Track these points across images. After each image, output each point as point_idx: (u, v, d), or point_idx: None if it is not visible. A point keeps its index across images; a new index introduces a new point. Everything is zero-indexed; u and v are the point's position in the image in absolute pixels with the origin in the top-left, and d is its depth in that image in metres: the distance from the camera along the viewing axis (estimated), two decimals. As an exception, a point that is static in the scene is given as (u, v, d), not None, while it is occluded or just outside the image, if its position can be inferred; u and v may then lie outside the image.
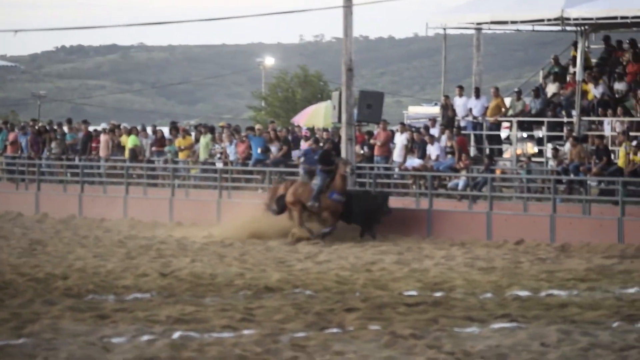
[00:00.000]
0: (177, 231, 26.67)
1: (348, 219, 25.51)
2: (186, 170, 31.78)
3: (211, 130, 33.00)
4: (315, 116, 39.19)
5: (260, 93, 62.25)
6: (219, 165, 31.20)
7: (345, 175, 25.39)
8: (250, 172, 30.88)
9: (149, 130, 34.81)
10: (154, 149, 33.57)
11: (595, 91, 28.91)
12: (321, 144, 27.73)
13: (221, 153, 32.29)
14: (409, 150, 29.32)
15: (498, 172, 27.74)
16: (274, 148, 31.15)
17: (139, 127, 34.22)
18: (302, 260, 21.40)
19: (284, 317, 14.56)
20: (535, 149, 29.11)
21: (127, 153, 33.01)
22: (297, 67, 60.70)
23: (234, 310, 15.06)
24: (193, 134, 33.07)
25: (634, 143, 26.00)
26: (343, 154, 27.53)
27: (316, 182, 25.38)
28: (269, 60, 70.93)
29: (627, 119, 27.52)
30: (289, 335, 13.32)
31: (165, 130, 34.83)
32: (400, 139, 29.35)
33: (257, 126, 33.96)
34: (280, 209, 25.56)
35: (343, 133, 27.56)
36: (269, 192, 26.67)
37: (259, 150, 31.01)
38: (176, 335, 13.20)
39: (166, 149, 33.25)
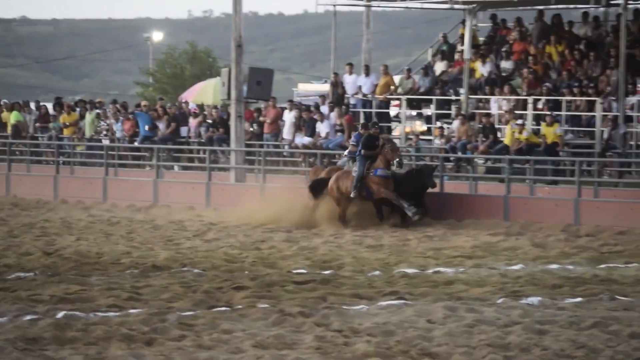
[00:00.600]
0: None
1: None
2: (71, 147, 31.24)
3: (96, 106, 32.55)
4: (204, 93, 38.95)
5: (148, 69, 61.55)
6: (105, 142, 30.77)
7: (390, 161, 22.82)
8: (138, 150, 30.55)
9: (33, 106, 34.16)
10: (37, 125, 32.97)
11: (482, 69, 29.25)
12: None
13: (107, 130, 31.86)
14: (297, 127, 29.34)
15: (387, 149, 27.85)
16: (161, 125, 30.84)
17: (21, 103, 33.55)
18: (191, 238, 21.19)
19: (172, 296, 14.39)
20: (424, 127, 29.35)
21: (9, 129, 32.35)
22: (185, 43, 60.14)
23: (120, 289, 14.83)
24: (78, 110, 32.55)
25: (520, 121, 26.37)
26: (232, 132, 27.34)
27: (356, 169, 23.07)
28: (157, 36, 70.08)
29: (513, 97, 27.90)
30: (177, 314, 13.17)
31: (50, 106, 34.21)
32: (289, 117, 29.33)
33: (144, 103, 33.59)
34: (319, 192, 23.34)
35: (232, 110, 27.38)
36: (310, 175, 24.37)
37: (146, 128, 30.66)
38: (60, 314, 12.94)
39: (50, 125, 32.68)
